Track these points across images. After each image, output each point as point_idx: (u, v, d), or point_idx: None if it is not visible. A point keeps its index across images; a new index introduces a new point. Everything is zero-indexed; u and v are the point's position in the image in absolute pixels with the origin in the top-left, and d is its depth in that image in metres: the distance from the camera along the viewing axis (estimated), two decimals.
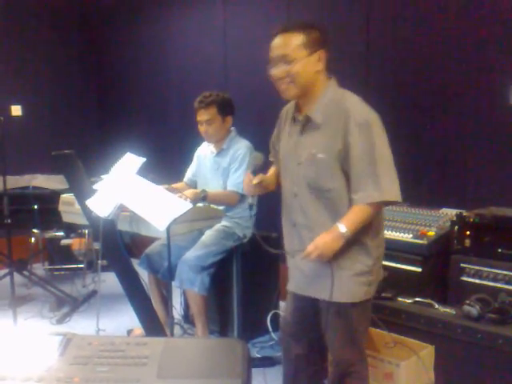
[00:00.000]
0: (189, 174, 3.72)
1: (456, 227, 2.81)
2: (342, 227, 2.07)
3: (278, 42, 2.11)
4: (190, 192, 3.23)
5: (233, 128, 3.53)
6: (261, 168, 2.27)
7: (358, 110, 2.09)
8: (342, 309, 2.16)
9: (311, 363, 2.41)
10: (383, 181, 2.06)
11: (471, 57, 3.18)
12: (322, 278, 2.16)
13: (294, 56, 2.07)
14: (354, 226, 2.08)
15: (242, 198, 3.41)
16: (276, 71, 2.11)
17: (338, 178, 2.11)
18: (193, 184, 3.68)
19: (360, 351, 2.27)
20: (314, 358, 2.42)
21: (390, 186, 2.08)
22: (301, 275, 2.26)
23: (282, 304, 3.46)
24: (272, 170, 2.41)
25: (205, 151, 3.64)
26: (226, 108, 3.44)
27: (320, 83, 2.15)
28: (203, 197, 3.24)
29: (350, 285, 2.15)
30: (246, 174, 2.28)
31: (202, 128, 3.45)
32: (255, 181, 2.21)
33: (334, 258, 2.11)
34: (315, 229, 2.16)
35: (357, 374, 2.26)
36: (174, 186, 3.39)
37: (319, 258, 2.09)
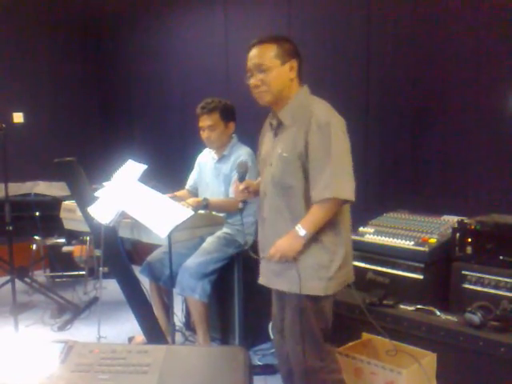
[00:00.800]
0: (190, 181, 3.73)
1: (457, 234, 2.81)
2: (300, 229, 2.22)
3: (253, 52, 2.30)
4: (192, 200, 3.23)
5: (234, 135, 3.54)
6: (245, 174, 2.45)
7: (322, 112, 2.24)
8: (299, 302, 2.26)
9: None
10: (335, 179, 2.18)
11: (472, 64, 3.19)
12: (285, 272, 2.30)
13: (268, 65, 2.26)
14: (312, 225, 2.22)
15: (244, 205, 3.41)
16: (252, 79, 2.30)
17: (298, 175, 2.25)
18: (195, 191, 3.68)
19: (315, 345, 2.31)
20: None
21: (341, 185, 2.20)
22: (268, 269, 2.40)
23: None
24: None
25: (206, 158, 3.65)
26: (228, 114, 3.46)
27: (292, 90, 2.31)
28: (205, 205, 3.25)
29: (306, 278, 2.25)
30: (234, 180, 2.48)
31: (204, 134, 3.46)
32: (241, 186, 2.43)
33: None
34: (277, 224, 2.33)
35: (322, 369, 2.32)
36: (176, 194, 3.39)
37: (282, 260, 2.25)
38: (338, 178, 2.18)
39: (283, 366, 2.53)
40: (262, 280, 2.46)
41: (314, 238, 2.24)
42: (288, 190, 2.28)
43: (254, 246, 3.38)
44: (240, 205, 2.50)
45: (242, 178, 2.44)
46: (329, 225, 2.25)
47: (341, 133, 2.23)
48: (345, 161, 2.23)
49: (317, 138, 2.19)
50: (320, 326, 2.31)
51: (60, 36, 5.72)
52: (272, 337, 2.65)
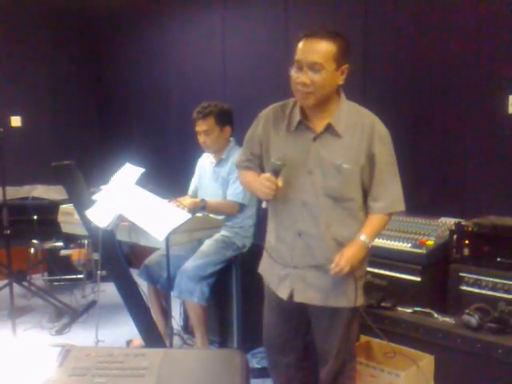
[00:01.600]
0: (192, 185, 3.73)
1: (455, 236, 2.82)
2: (365, 238, 2.15)
3: (308, 46, 2.05)
4: (189, 202, 3.23)
5: (232, 138, 3.54)
6: (282, 168, 2.12)
7: (381, 124, 2.19)
8: (345, 313, 2.22)
9: (301, 370, 2.43)
10: (400, 192, 2.21)
11: (470, 67, 3.20)
12: (340, 286, 2.19)
13: (324, 67, 2.04)
14: (374, 235, 2.20)
15: (241, 207, 3.41)
16: (301, 76, 2.06)
17: (358, 188, 2.18)
18: (197, 195, 3.68)
19: (352, 351, 2.35)
20: (304, 366, 2.44)
21: (402, 197, 2.22)
22: (307, 286, 2.22)
23: None
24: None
25: (205, 162, 3.65)
26: (224, 118, 3.46)
27: (334, 95, 2.17)
28: (202, 206, 3.25)
29: (354, 290, 2.20)
30: (265, 175, 2.14)
31: (200, 138, 3.47)
32: (280, 183, 2.11)
33: None
34: (326, 239, 2.17)
35: (347, 372, 2.33)
36: (179, 199, 3.40)
37: (350, 271, 2.11)
38: (401, 191, 2.22)
39: (281, 379, 2.48)
40: (297, 297, 2.23)
41: None
42: (347, 202, 2.17)
43: (254, 250, 3.40)
44: (264, 204, 2.17)
45: (276, 173, 2.11)
46: None
47: (392, 146, 2.23)
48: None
49: (383, 150, 2.15)
50: (357, 326, 2.35)
51: (58, 40, 5.72)
52: (265, 352, 2.53)
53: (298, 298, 2.24)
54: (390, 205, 2.19)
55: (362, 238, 2.14)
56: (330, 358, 2.28)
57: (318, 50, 2.04)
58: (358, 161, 2.13)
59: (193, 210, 3.09)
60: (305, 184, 2.16)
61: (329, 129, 2.14)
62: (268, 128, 2.27)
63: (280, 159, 2.12)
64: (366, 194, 2.20)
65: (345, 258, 2.10)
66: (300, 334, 2.36)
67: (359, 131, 2.13)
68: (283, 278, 2.27)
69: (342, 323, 2.23)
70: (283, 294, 2.26)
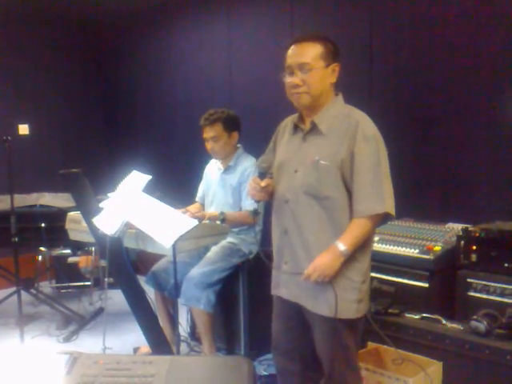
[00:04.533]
0: (200, 192, 3.74)
1: (462, 242, 2.80)
2: (341, 245, 2.09)
3: (295, 50, 2.16)
4: (209, 213, 3.30)
5: (239, 145, 3.55)
6: (267, 171, 2.25)
7: (367, 124, 2.15)
8: (333, 325, 2.15)
9: (309, 379, 2.39)
10: (385, 194, 2.10)
11: (476, 70, 3.19)
12: (321, 293, 2.15)
13: (312, 65, 2.12)
14: (354, 242, 2.10)
15: (258, 216, 3.41)
16: (293, 79, 2.14)
17: (337, 186, 2.13)
18: (204, 201, 3.70)
19: (350, 364, 2.25)
20: (310, 375, 2.39)
21: (389, 200, 2.12)
22: (296, 285, 2.24)
23: None
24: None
25: (212, 168, 3.66)
26: (231, 124, 3.47)
27: (329, 95, 2.21)
28: (222, 219, 3.26)
29: (339, 301, 2.12)
30: (252, 178, 2.28)
31: (208, 145, 3.48)
32: (263, 183, 2.20)
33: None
34: (306, 235, 2.18)
35: None
36: (188, 208, 3.41)
37: (319, 279, 2.10)
38: (387, 193, 2.10)
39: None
40: (284, 293, 2.29)
41: (349, 258, 2.12)
42: (324, 200, 2.13)
43: (260, 256, 3.40)
44: (255, 205, 2.31)
45: (263, 175, 2.23)
46: (363, 243, 2.15)
47: (384, 148, 2.15)
48: (389, 177, 2.15)
49: (365, 149, 2.09)
50: (355, 347, 2.25)
51: (66, 49, 5.76)
52: (273, 358, 2.51)
53: (293, 298, 2.26)
54: (370, 206, 2.09)
55: (339, 245, 2.08)
56: (325, 369, 2.25)
57: (305, 52, 2.14)
58: (337, 158, 2.11)
59: (211, 222, 3.18)
60: (290, 182, 2.22)
61: (314, 127, 2.19)
62: (279, 137, 2.39)
63: (265, 162, 2.26)
64: (349, 196, 2.14)
65: (312, 266, 2.10)
66: (305, 341, 2.32)
67: (343, 130, 2.14)
68: (279, 277, 2.31)
69: (331, 332, 2.16)
70: (282, 294, 2.30)
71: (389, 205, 2.11)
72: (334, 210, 2.14)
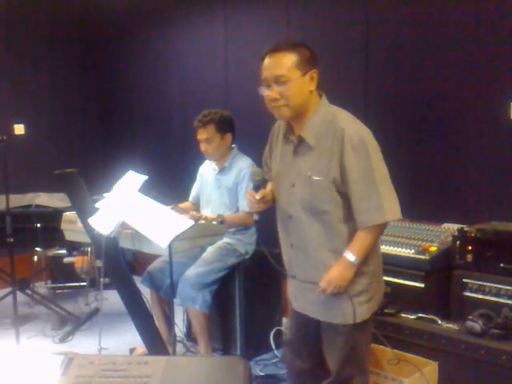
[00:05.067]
0: (193, 192, 3.74)
1: (458, 242, 2.81)
2: (351, 256, 2.08)
3: (270, 62, 2.09)
4: (205, 216, 3.30)
5: (234, 145, 3.55)
6: (262, 183, 2.26)
7: (353, 130, 2.07)
8: (344, 329, 2.15)
9: (316, 377, 2.38)
10: (384, 200, 2.06)
11: (471, 72, 3.20)
12: (336, 303, 2.16)
13: (288, 77, 2.05)
14: (362, 252, 2.09)
15: (259, 216, 3.40)
16: (270, 92, 2.08)
17: (333, 199, 2.10)
18: (198, 202, 3.69)
19: (360, 367, 2.26)
20: (319, 373, 2.38)
21: (390, 205, 2.09)
22: (305, 299, 2.25)
23: (284, 321, 3.45)
24: (271, 185, 2.38)
25: (207, 169, 3.66)
26: (224, 125, 3.46)
27: (311, 102, 2.14)
28: (220, 221, 3.25)
29: (350, 306, 2.13)
30: (248, 190, 2.29)
31: (202, 146, 3.48)
32: (258, 196, 2.19)
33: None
34: (310, 251, 2.18)
35: None
36: (180, 205, 3.41)
37: (335, 291, 2.11)
38: (387, 201, 2.06)
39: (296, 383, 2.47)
40: (298, 306, 2.30)
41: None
42: (321, 215, 2.12)
43: (255, 256, 3.40)
44: (255, 217, 2.27)
45: (257, 188, 2.23)
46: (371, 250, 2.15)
47: (376, 149, 2.09)
48: (387, 178, 2.10)
49: (354, 159, 2.03)
50: (367, 348, 2.27)
51: (61, 48, 5.75)
52: (283, 354, 2.54)
53: (301, 310, 2.29)
54: (370, 217, 2.06)
55: (348, 256, 2.08)
56: (333, 373, 2.25)
57: (279, 63, 2.06)
58: (330, 172, 2.07)
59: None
60: (289, 197, 2.20)
61: (301, 141, 2.14)
62: (272, 141, 2.35)
63: (258, 175, 2.25)
64: (348, 206, 2.11)
65: (326, 279, 2.11)
66: (315, 341, 2.30)
67: (330, 140, 2.08)
68: (290, 286, 2.34)
69: (342, 340, 2.17)
70: (294, 306, 2.33)
71: (390, 212, 2.08)
72: (333, 223, 2.13)
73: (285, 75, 2.05)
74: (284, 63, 2.06)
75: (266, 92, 2.10)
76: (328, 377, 2.32)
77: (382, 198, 2.06)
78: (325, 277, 2.11)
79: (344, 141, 2.04)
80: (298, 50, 2.08)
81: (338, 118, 2.11)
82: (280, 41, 2.15)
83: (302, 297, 2.27)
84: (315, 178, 2.10)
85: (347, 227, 2.13)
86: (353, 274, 2.10)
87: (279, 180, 2.25)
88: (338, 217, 2.11)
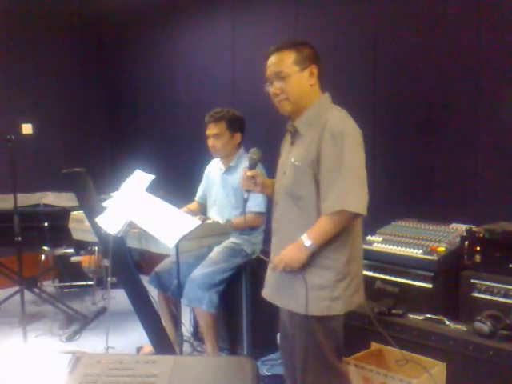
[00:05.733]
0: (199, 192, 3.74)
1: (466, 243, 2.79)
2: (306, 239, 2.15)
3: (272, 60, 2.25)
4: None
5: (241, 146, 3.54)
6: (257, 163, 2.38)
7: (336, 121, 2.17)
8: (304, 321, 2.19)
9: None
10: (346, 191, 2.11)
11: (482, 67, 3.18)
12: (293, 290, 2.21)
13: (286, 72, 2.20)
14: (318, 237, 2.14)
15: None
16: (272, 88, 2.24)
17: (309, 186, 2.18)
18: (204, 202, 3.69)
19: (326, 364, 2.24)
20: None
21: (353, 198, 2.12)
22: (273, 283, 2.34)
23: None
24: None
25: (213, 169, 3.66)
26: (235, 124, 3.47)
27: (312, 97, 2.26)
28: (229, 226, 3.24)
29: (303, 296, 2.16)
30: (244, 168, 2.40)
31: (210, 142, 3.49)
32: (249, 173, 2.33)
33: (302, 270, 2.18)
34: (283, 237, 2.27)
35: None
36: (188, 207, 3.41)
37: (285, 269, 2.18)
38: (350, 191, 2.10)
39: (290, 378, 2.47)
40: (265, 292, 2.41)
41: (319, 256, 2.17)
42: (299, 200, 2.21)
43: (265, 254, 3.39)
44: (245, 194, 2.40)
45: (252, 166, 2.37)
46: (335, 242, 2.17)
47: (355, 144, 2.15)
48: (358, 173, 2.14)
49: (329, 147, 2.12)
50: (331, 346, 2.24)
51: (69, 48, 5.77)
52: (280, 350, 2.56)
53: (267, 297, 2.39)
54: (330, 204, 2.11)
55: (303, 238, 2.15)
56: (299, 364, 2.26)
57: (279, 61, 2.23)
58: (308, 158, 2.17)
59: None
60: (279, 185, 2.33)
61: (295, 131, 2.27)
62: (285, 137, 2.45)
63: (256, 153, 2.37)
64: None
65: (279, 257, 2.21)
66: None
67: (316, 129, 2.18)
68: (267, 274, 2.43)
69: (302, 328, 2.20)
70: (263, 293, 2.42)
71: (350, 203, 2.10)
72: (308, 210, 2.20)
73: (284, 71, 2.20)
74: (283, 60, 2.22)
75: (269, 88, 2.26)
76: None
77: (344, 189, 2.11)
78: (279, 254, 2.21)
79: (325, 129, 2.14)
80: (298, 47, 2.24)
81: (330, 111, 2.22)
82: (283, 41, 2.29)
83: (271, 280, 2.36)
84: (297, 163, 2.21)
85: (318, 216, 2.19)
86: (306, 258, 2.16)
87: (278, 171, 2.38)
88: (311, 204, 2.19)
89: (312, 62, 2.24)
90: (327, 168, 2.13)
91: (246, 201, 2.42)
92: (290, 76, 2.20)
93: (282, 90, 2.21)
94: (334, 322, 2.24)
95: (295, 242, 2.18)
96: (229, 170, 3.52)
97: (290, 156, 2.26)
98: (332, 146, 2.12)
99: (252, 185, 2.35)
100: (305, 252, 2.16)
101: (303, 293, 2.16)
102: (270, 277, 2.37)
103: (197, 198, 3.74)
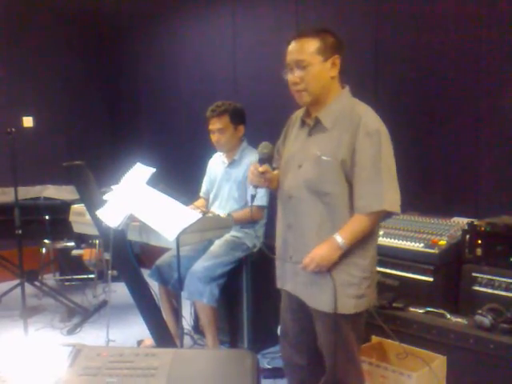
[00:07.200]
0: (203, 187, 3.73)
1: (467, 236, 2.79)
2: (339, 238, 2.09)
3: (293, 47, 2.14)
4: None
5: (244, 138, 3.53)
6: (268, 157, 2.25)
7: (371, 118, 2.11)
8: (331, 319, 2.14)
9: (315, 375, 2.37)
10: (385, 191, 2.07)
11: (483, 60, 3.17)
12: (316, 287, 2.16)
13: (308, 61, 2.10)
14: (352, 236, 2.09)
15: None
16: (291, 76, 2.14)
17: (338, 183, 2.11)
18: (209, 197, 3.68)
19: (353, 361, 2.24)
20: (317, 369, 2.36)
21: (391, 197, 2.09)
22: (296, 278, 2.25)
23: None
24: (278, 172, 2.39)
25: (216, 162, 3.65)
26: (238, 117, 3.46)
27: (333, 90, 2.18)
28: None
29: (332, 295, 2.12)
30: (253, 163, 2.29)
31: (214, 137, 3.46)
32: (261, 168, 2.20)
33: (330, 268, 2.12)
34: (307, 231, 2.18)
35: None
36: (195, 204, 3.40)
37: (316, 269, 2.11)
38: (387, 190, 2.06)
39: (294, 379, 2.46)
40: (289, 287, 2.29)
41: (348, 253, 2.12)
42: (324, 197, 2.12)
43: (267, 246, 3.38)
44: (252, 190, 2.31)
45: (262, 161, 2.23)
46: (362, 239, 2.13)
47: (389, 141, 2.11)
48: (393, 172, 2.11)
49: (366, 145, 2.06)
50: (357, 344, 2.23)
51: (71, 41, 5.75)
52: (281, 349, 2.52)
53: (292, 291, 2.28)
54: (369, 203, 2.07)
55: (337, 238, 2.09)
56: (328, 362, 2.24)
57: (301, 48, 2.12)
58: (339, 154, 2.09)
59: None
60: (293, 178, 2.22)
61: (318, 123, 2.17)
62: (288, 129, 2.37)
63: (266, 148, 2.23)
64: (351, 190, 2.12)
65: (310, 256, 2.12)
66: (313, 334, 2.30)
67: (347, 125, 2.11)
68: (285, 271, 2.31)
69: (331, 327, 2.15)
70: (287, 287, 2.31)
71: (389, 202, 2.07)
72: (335, 206, 2.13)
73: (305, 60, 2.10)
74: (306, 48, 2.11)
75: (288, 76, 2.16)
76: (324, 373, 2.31)
77: (383, 187, 2.07)
78: (309, 254, 2.12)
79: (360, 126, 2.07)
80: (322, 36, 2.13)
81: (358, 107, 2.16)
82: (306, 27, 2.21)
83: (294, 279, 2.26)
84: (324, 158, 2.12)
85: (347, 213, 2.13)
86: (337, 257, 2.10)
87: (288, 163, 2.26)
88: (342, 201, 2.12)
89: (336, 51, 2.14)
90: (363, 166, 2.07)
91: (253, 196, 2.34)
92: (311, 65, 2.10)
93: (302, 80, 2.11)
94: (359, 319, 2.22)
95: (326, 241, 2.11)
96: (232, 163, 3.51)
97: (311, 149, 2.16)
98: (368, 143, 2.06)
99: (262, 180, 2.23)
100: (338, 252, 2.10)
101: (331, 291, 2.11)
102: (290, 271, 2.26)
103: (202, 194, 3.73)
